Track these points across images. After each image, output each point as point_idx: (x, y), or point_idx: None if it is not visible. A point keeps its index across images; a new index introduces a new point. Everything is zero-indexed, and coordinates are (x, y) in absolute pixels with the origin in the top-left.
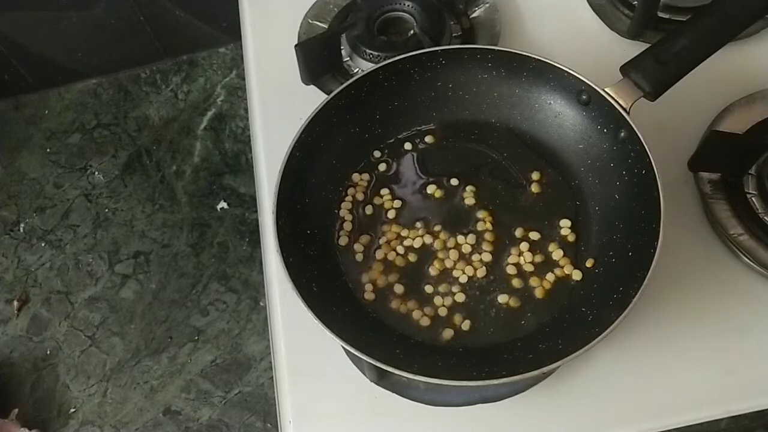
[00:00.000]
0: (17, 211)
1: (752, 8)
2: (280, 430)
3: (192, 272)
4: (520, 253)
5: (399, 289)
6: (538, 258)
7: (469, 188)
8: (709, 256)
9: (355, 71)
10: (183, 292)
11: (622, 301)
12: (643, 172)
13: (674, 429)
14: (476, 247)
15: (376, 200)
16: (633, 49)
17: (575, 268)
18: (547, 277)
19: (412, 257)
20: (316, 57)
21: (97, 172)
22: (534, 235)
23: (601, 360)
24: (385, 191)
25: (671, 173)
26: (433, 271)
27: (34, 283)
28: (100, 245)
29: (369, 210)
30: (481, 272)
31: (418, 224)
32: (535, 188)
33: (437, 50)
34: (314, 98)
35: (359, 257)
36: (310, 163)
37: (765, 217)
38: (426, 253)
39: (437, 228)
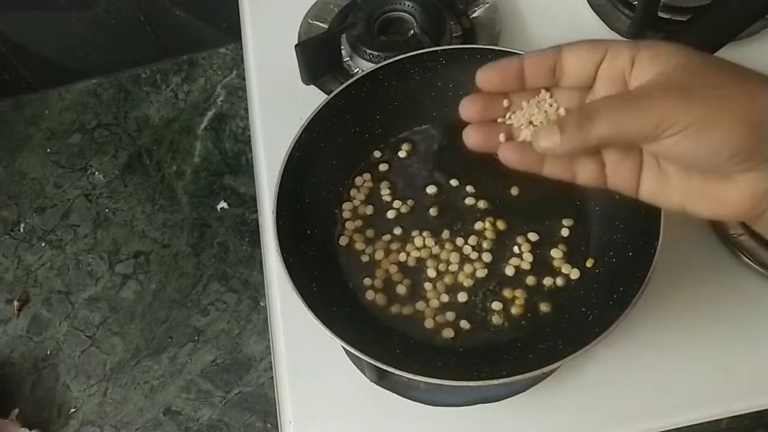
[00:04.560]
0: (17, 211)
1: (752, 8)
2: (280, 430)
3: (192, 272)
4: (521, 254)
5: (399, 289)
6: (538, 258)
7: (469, 188)
8: (709, 256)
9: (355, 71)
10: (183, 292)
11: (622, 301)
12: None
13: (674, 429)
14: (476, 248)
15: (376, 200)
16: None
17: (575, 268)
18: (547, 277)
19: (412, 257)
20: (316, 57)
21: (97, 172)
22: (534, 236)
23: (601, 360)
24: (385, 191)
25: None
26: (433, 271)
27: (35, 283)
28: (100, 245)
29: (369, 210)
30: (481, 272)
31: (418, 224)
32: (534, 188)
33: (437, 50)
34: (314, 98)
35: (359, 257)
36: (310, 163)
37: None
38: (426, 253)
39: (437, 228)
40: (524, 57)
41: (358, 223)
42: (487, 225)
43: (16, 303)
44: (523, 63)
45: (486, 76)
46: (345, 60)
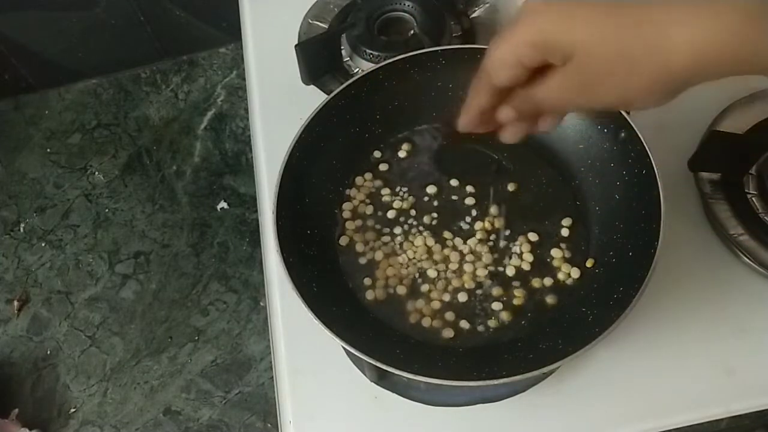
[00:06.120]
0: (17, 211)
1: None
2: (280, 430)
3: (192, 272)
4: (521, 254)
5: (399, 289)
6: (538, 258)
7: (469, 188)
8: (709, 256)
9: (355, 71)
10: (183, 292)
11: (622, 301)
12: (644, 172)
13: (674, 429)
14: (476, 248)
15: (376, 200)
16: None
17: (575, 268)
18: (547, 277)
19: (412, 257)
20: (316, 57)
21: (97, 172)
22: (534, 236)
23: (601, 360)
24: (385, 191)
25: (671, 173)
26: (433, 271)
27: (35, 283)
28: (100, 245)
29: (369, 210)
30: (481, 272)
31: (418, 225)
32: (534, 189)
33: (437, 50)
34: (314, 98)
35: (360, 257)
36: (310, 163)
37: (765, 217)
38: (426, 254)
39: (437, 228)
40: (474, 100)
41: (358, 223)
42: (487, 225)
43: (16, 303)
44: (480, 104)
45: (464, 128)
46: (345, 60)
